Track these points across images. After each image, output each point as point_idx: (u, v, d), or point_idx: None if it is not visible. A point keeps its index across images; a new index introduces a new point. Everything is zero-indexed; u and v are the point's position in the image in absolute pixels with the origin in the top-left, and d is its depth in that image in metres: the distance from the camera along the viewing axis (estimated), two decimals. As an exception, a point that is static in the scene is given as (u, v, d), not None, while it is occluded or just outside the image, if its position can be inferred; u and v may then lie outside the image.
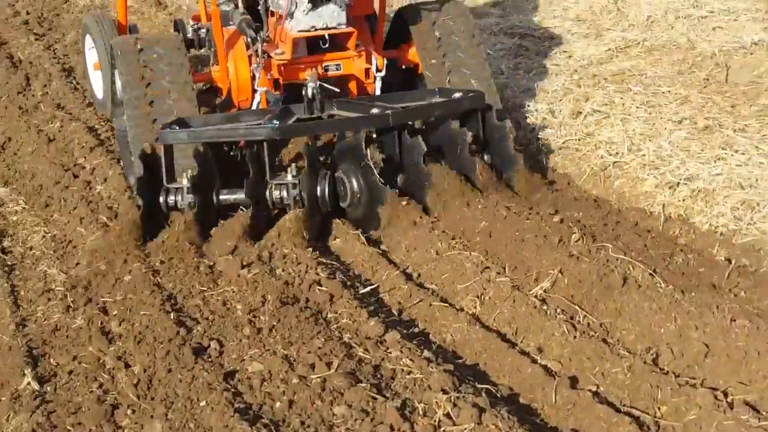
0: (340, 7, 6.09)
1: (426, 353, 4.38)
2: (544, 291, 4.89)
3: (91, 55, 7.83)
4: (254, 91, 6.38)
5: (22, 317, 5.05)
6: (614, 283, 4.79)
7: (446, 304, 4.88)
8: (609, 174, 6.24)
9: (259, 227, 5.60)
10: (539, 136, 6.81)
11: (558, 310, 4.72)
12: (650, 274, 4.84)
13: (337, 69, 6.48)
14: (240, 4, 6.54)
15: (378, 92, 6.54)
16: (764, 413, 3.94)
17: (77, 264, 5.54)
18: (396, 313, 4.93)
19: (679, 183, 5.88)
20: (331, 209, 5.74)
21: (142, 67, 6.26)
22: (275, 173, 5.74)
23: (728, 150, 6.15)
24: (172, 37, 6.71)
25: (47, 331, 4.86)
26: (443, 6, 6.85)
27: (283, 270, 5.25)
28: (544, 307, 4.72)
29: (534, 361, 4.38)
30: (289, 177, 5.67)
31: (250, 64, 6.39)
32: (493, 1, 10.01)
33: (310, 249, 5.41)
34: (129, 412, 4.12)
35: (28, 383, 4.35)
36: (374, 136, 5.86)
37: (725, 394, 4.05)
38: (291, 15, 6.09)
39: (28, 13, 10.77)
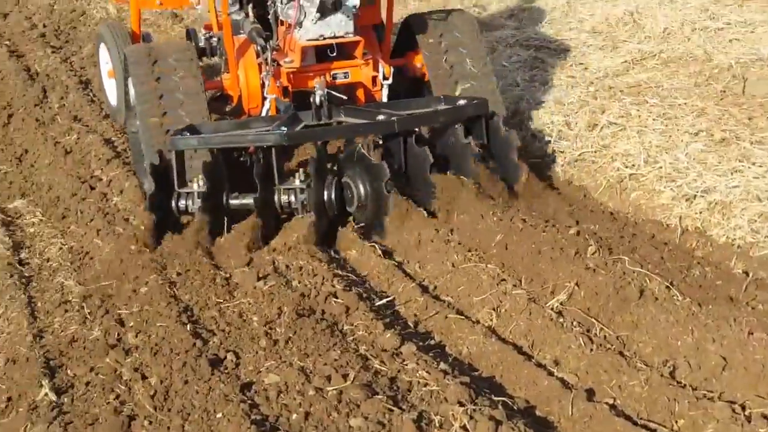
0: (348, 16, 6.22)
1: (442, 365, 4.37)
2: (561, 303, 4.88)
3: (106, 64, 7.99)
4: (264, 98, 6.49)
5: (39, 328, 5.06)
6: (631, 295, 4.78)
7: (462, 317, 4.87)
8: (625, 186, 6.23)
9: (268, 232, 5.72)
10: (555, 148, 6.81)
11: (574, 323, 4.71)
12: (667, 286, 4.82)
13: (345, 77, 6.60)
14: (250, 14, 6.64)
15: (385, 100, 6.65)
16: (782, 427, 3.92)
17: (93, 275, 5.57)
18: (412, 326, 4.92)
19: (695, 195, 5.87)
20: (338, 213, 5.86)
21: (155, 77, 6.36)
22: (284, 178, 5.84)
23: (745, 162, 6.13)
24: (183, 45, 6.84)
25: (64, 343, 4.87)
26: (450, 16, 6.98)
27: (299, 282, 5.25)
28: (561, 320, 4.70)
29: (550, 374, 4.37)
30: (297, 182, 5.77)
31: (260, 72, 6.50)
32: (508, 14, 10.02)
33: (326, 261, 5.41)
34: (146, 423, 4.12)
35: (46, 394, 4.36)
36: (380, 142, 5.96)
37: (743, 408, 4.03)
38: (300, 24, 6.24)
39: (45, 26, 10.80)
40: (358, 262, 5.56)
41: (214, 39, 7.14)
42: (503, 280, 5.05)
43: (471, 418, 3.94)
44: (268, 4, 6.53)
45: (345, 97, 6.54)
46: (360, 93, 6.75)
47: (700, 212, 5.75)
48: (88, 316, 5.09)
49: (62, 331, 5.00)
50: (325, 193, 5.80)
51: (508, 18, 9.90)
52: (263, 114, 6.48)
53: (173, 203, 5.82)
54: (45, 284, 5.61)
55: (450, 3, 10.04)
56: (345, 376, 4.27)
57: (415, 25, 6.96)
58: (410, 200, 5.73)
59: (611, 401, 4.17)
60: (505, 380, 4.41)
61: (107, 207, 6.44)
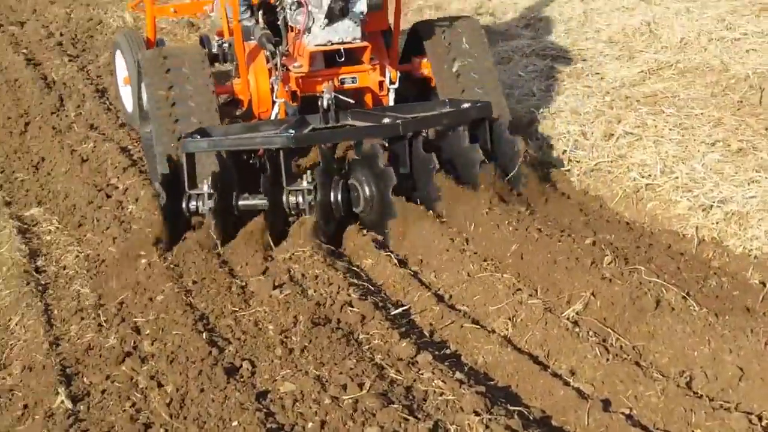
0: (355, 22, 6.34)
1: (458, 375, 4.37)
2: (577, 313, 4.87)
3: (122, 71, 8.13)
4: (273, 102, 6.59)
5: (55, 336, 5.09)
6: (647, 305, 4.76)
7: (478, 326, 4.86)
8: (641, 196, 6.22)
9: (277, 232, 5.82)
10: (571, 157, 6.80)
11: (590, 333, 4.69)
12: (683, 297, 4.81)
13: (353, 82, 6.71)
14: (260, 20, 6.73)
15: (391, 104, 6.75)
16: (800, 438, 3.91)
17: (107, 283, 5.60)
18: (427, 335, 4.92)
19: (712, 206, 5.85)
20: (344, 215, 5.97)
21: (168, 82, 6.47)
22: (292, 180, 5.93)
23: (762, 173, 6.11)
24: (196, 50, 6.92)
25: (80, 350, 4.89)
26: (456, 22, 7.11)
27: (314, 291, 5.25)
28: (577, 330, 4.69)
29: (566, 384, 4.35)
30: (305, 183, 5.87)
31: (270, 77, 6.59)
32: (525, 23, 10.02)
33: (342, 270, 5.41)
34: (161, 431, 4.13)
35: (62, 402, 4.37)
36: (386, 144, 6.06)
37: (760, 418, 4.02)
38: (308, 30, 6.36)
39: (62, 35, 10.87)
40: (374, 271, 5.56)
41: (227, 45, 7.23)
42: (519, 289, 5.04)
43: (486, 427, 3.93)
44: (278, 10, 6.65)
45: (353, 101, 6.64)
46: (368, 97, 6.87)
47: (717, 222, 5.73)
48: (104, 324, 5.11)
49: (78, 339, 5.02)
50: (332, 194, 5.91)
51: (524, 28, 9.91)
52: (272, 118, 6.59)
53: (184, 204, 5.91)
54: (61, 292, 5.63)
55: (465, 13, 10.04)
56: (360, 385, 4.27)
57: (422, 31, 7.10)
58: (419, 204, 5.82)
59: (627, 411, 4.16)
60: (521, 390, 4.41)
61: (123, 215, 6.47)
